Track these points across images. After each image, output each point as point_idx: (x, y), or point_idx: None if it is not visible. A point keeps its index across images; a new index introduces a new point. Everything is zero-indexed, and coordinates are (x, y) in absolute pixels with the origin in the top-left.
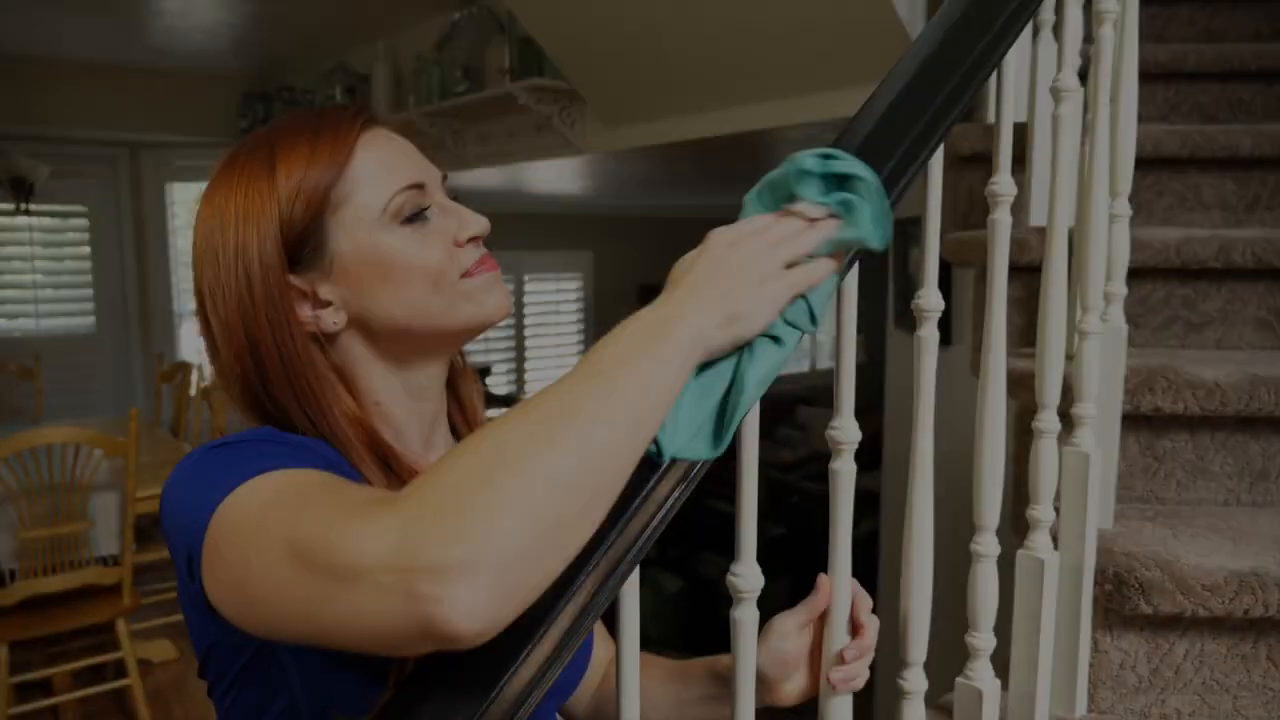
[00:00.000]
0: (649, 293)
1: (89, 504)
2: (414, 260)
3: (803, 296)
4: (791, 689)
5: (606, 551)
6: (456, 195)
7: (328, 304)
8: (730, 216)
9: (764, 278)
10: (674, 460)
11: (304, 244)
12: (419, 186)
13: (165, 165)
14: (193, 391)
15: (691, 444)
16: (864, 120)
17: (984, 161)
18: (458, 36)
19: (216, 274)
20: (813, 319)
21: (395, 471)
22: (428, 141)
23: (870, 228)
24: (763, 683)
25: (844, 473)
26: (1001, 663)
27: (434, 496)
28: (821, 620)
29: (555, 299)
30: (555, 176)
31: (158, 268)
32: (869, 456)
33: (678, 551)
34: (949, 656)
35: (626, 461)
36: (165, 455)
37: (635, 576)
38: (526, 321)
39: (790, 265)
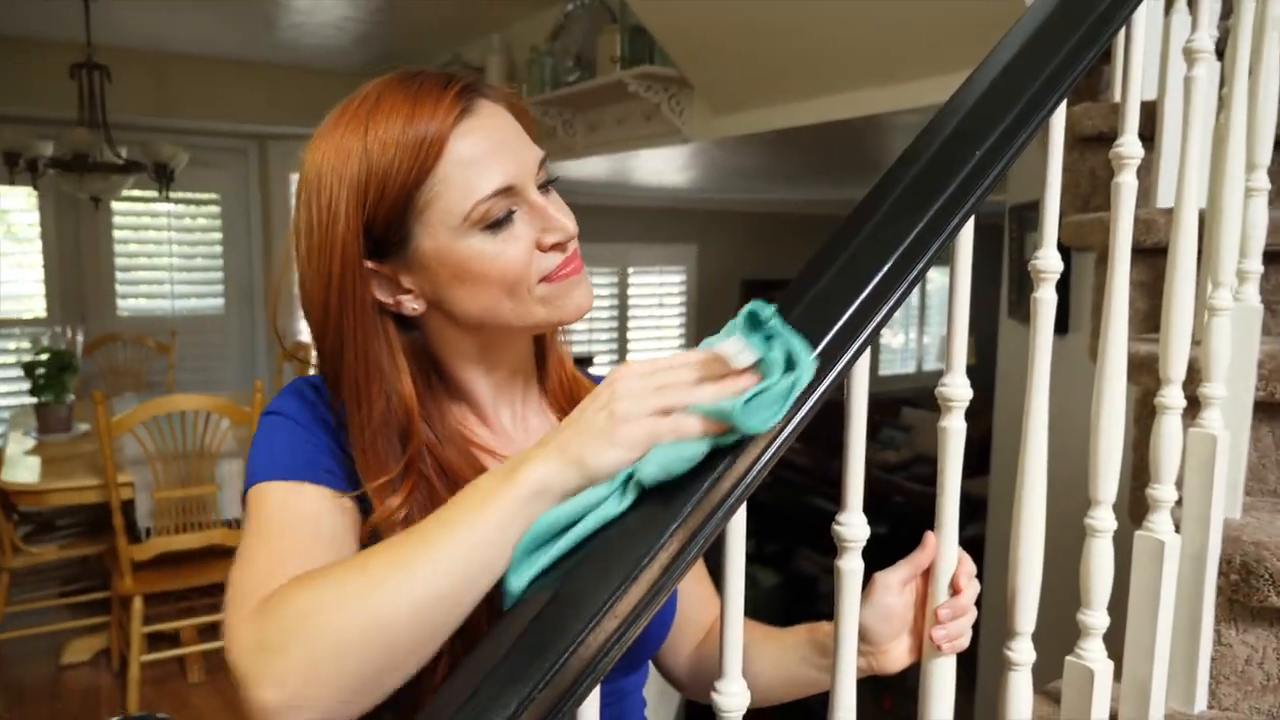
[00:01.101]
0: (752, 286)
1: (217, 469)
2: (491, 267)
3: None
4: (898, 652)
5: (685, 519)
6: (555, 180)
7: (409, 291)
8: (836, 213)
9: (627, 418)
10: (735, 447)
11: (387, 237)
12: (506, 191)
13: (290, 156)
14: (311, 370)
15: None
16: (992, 64)
17: (1108, 143)
18: (570, 27)
19: (309, 237)
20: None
21: (414, 449)
22: (539, 130)
23: (759, 412)
24: (869, 642)
25: (954, 430)
26: (1113, 654)
27: (275, 627)
28: (927, 582)
29: (659, 292)
30: (662, 166)
31: (281, 253)
32: (977, 462)
33: (775, 547)
34: (1047, 651)
35: (452, 604)
36: None
37: (741, 527)
38: (630, 314)
39: (668, 411)
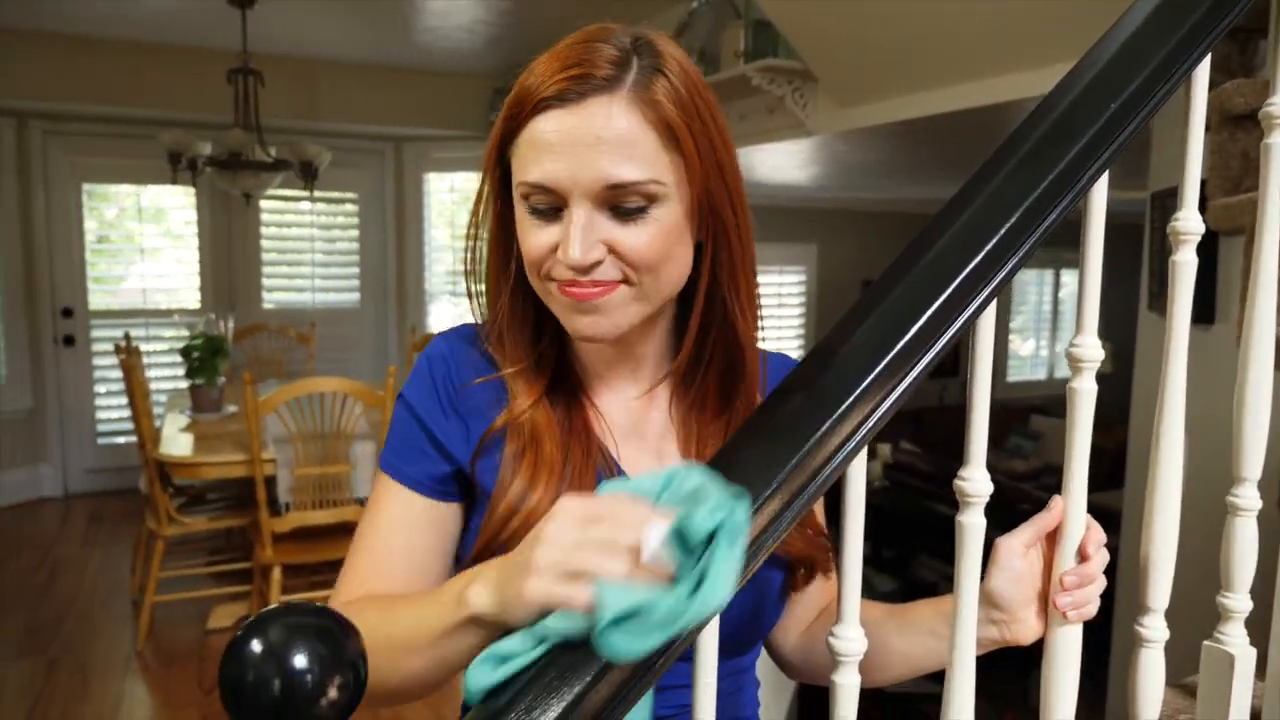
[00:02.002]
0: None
1: (351, 450)
2: (522, 240)
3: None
4: (1032, 621)
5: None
6: (643, 210)
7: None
8: None
9: (538, 570)
10: (847, 410)
11: (505, 158)
12: (544, 190)
13: (424, 157)
14: None
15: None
16: (1132, 17)
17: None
18: (695, 24)
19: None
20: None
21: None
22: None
23: (623, 639)
24: (1002, 610)
25: (1083, 391)
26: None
27: None
28: (1053, 549)
29: (778, 291)
30: (783, 163)
31: (414, 250)
32: (1111, 473)
33: (892, 553)
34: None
35: (428, 678)
36: None
37: (861, 471)
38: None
39: (578, 575)
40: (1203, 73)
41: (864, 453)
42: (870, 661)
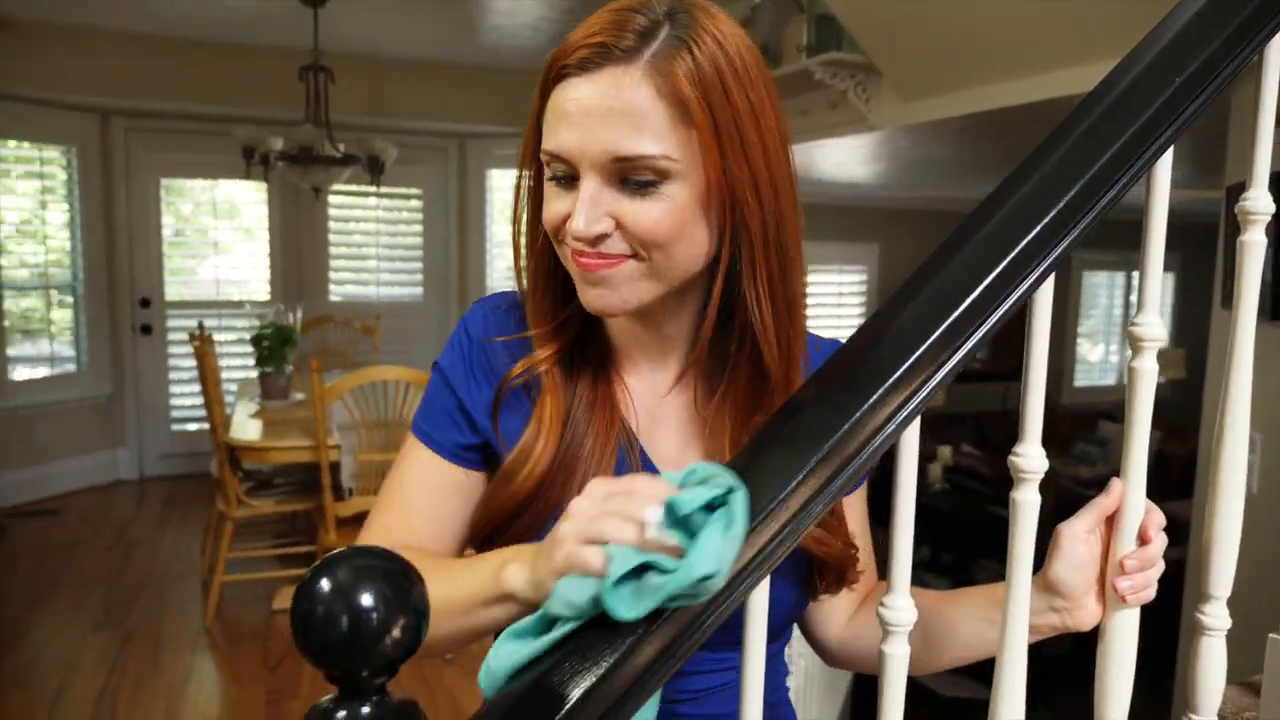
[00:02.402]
0: None
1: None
2: (545, 206)
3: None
4: (1093, 606)
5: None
6: (653, 184)
7: None
8: None
9: (562, 540)
10: (886, 392)
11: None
12: (559, 159)
13: (487, 154)
14: None
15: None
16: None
17: None
18: (757, 19)
19: None
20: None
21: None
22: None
23: (625, 600)
24: (1064, 596)
25: (1144, 371)
26: None
27: None
28: (1111, 532)
29: (837, 291)
30: (846, 158)
31: (476, 246)
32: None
33: (951, 557)
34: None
35: (460, 639)
36: None
37: (914, 436)
38: (808, 312)
39: (594, 541)
40: (1277, 45)
41: (917, 422)
42: (922, 648)
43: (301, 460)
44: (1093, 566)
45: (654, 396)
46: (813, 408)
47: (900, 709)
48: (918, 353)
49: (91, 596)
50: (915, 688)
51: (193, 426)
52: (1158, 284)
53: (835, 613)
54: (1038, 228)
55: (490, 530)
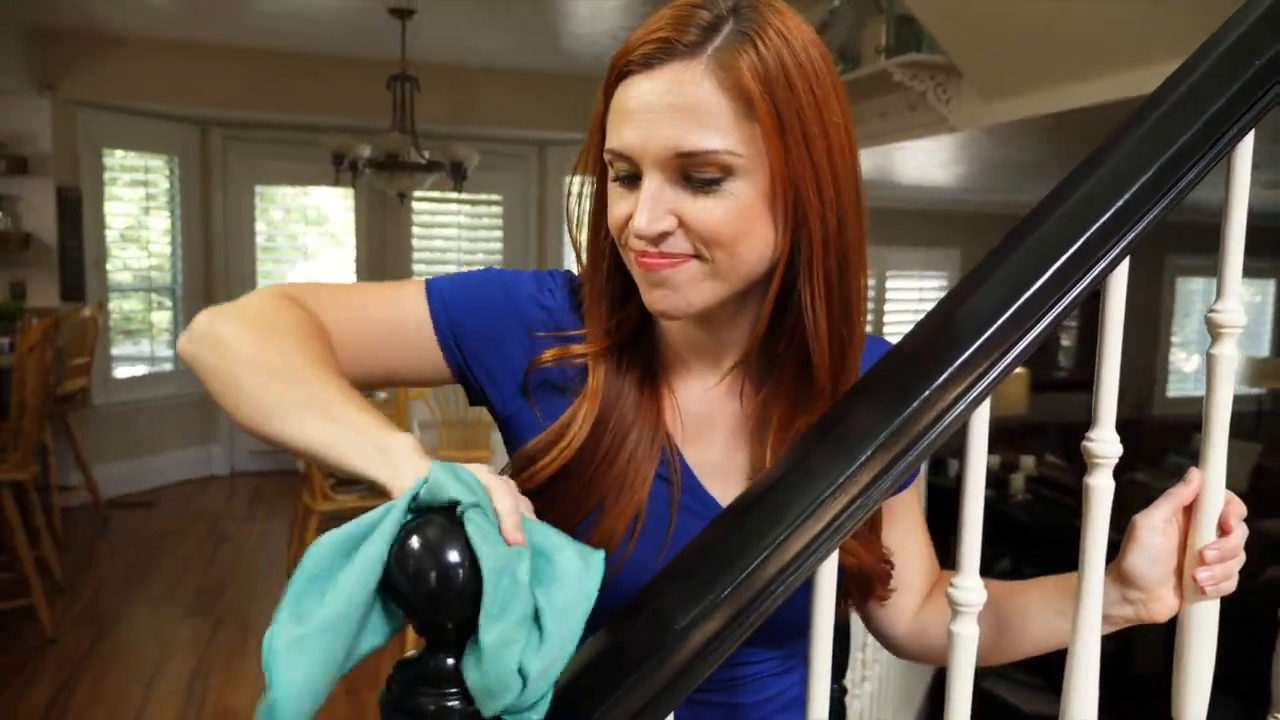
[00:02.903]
0: None
1: (491, 436)
2: (609, 207)
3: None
4: (1169, 598)
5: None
6: (716, 182)
7: None
8: None
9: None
10: (953, 373)
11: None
12: (622, 158)
13: (567, 161)
14: None
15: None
16: None
17: None
18: (835, 23)
19: None
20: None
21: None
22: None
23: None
24: (1140, 588)
25: (1224, 357)
26: None
27: (229, 314)
28: (1189, 522)
29: (917, 297)
30: (926, 161)
31: (554, 251)
32: None
33: (1034, 569)
34: None
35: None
36: None
37: (984, 424)
38: (886, 320)
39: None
40: None
41: (986, 403)
42: (993, 638)
43: None
44: (1169, 558)
45: (703, 403)
46: (883, 386)
47: (968, 690)
48: (988, 333)
49: (185, 585)
50: (996, 703)
51: None
52: (1237, 270)
53: (899, 609)
54: (1112, 209)
55: None
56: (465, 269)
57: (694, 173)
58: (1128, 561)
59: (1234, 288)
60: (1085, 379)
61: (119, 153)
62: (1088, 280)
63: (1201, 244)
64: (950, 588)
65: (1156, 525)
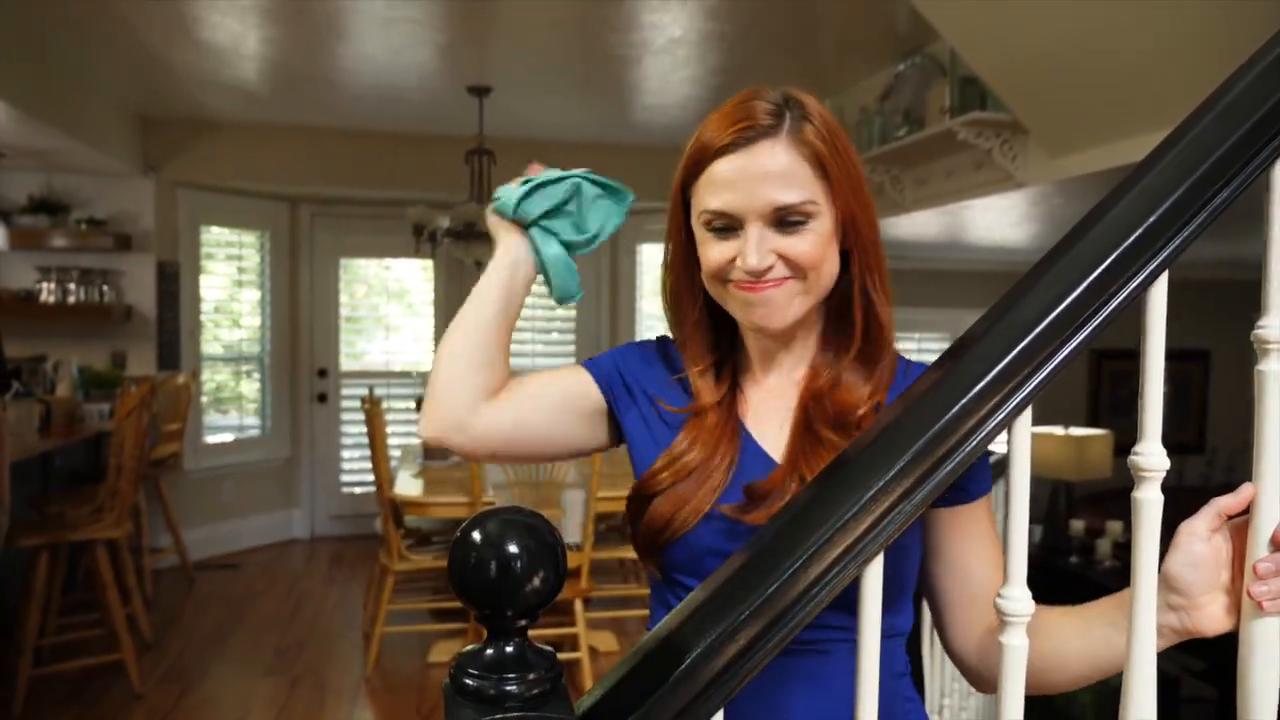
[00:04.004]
0: (1100, 356)
1: (563, 497)
2: (702, 254)
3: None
4: (1215, 610)
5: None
6: (801, 223)
7: None
8: (1200, 275)
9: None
10: (983, 390)
11: (686, 201)
12: (724, 215)
13: (637, 229)
14: None
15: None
16: None
17: None
18: (901, 87)
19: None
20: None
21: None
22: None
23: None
24: (1181, 594)
25: (1273, 374)
26: None
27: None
28: (1244, 540)
29: None
30: (995, 221)
31: (626, 319)
32: None
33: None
34: None
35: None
36: (621, 467)
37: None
38: None
39: None
40: None
41: (1028, 412)
42: (1048, 661)
43: (458, 516)
44: (1213, 567)
45: (772, 398)
46: (929, 395)
47: (1020, 703)
48: (1024, 342)
49: (265, 644)
50: None
51: (359, 490)
52: None
53: (968, 623)
54: (1145, 225)
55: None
56: (539, 334)
57: (786, 219)
58: (1168, 565)
59: (1278, 304)
60: (1176, 442)
61: (214, 229)
62: (1125, 293)
63: None
64: (998, 598)
65: (1198, 531)
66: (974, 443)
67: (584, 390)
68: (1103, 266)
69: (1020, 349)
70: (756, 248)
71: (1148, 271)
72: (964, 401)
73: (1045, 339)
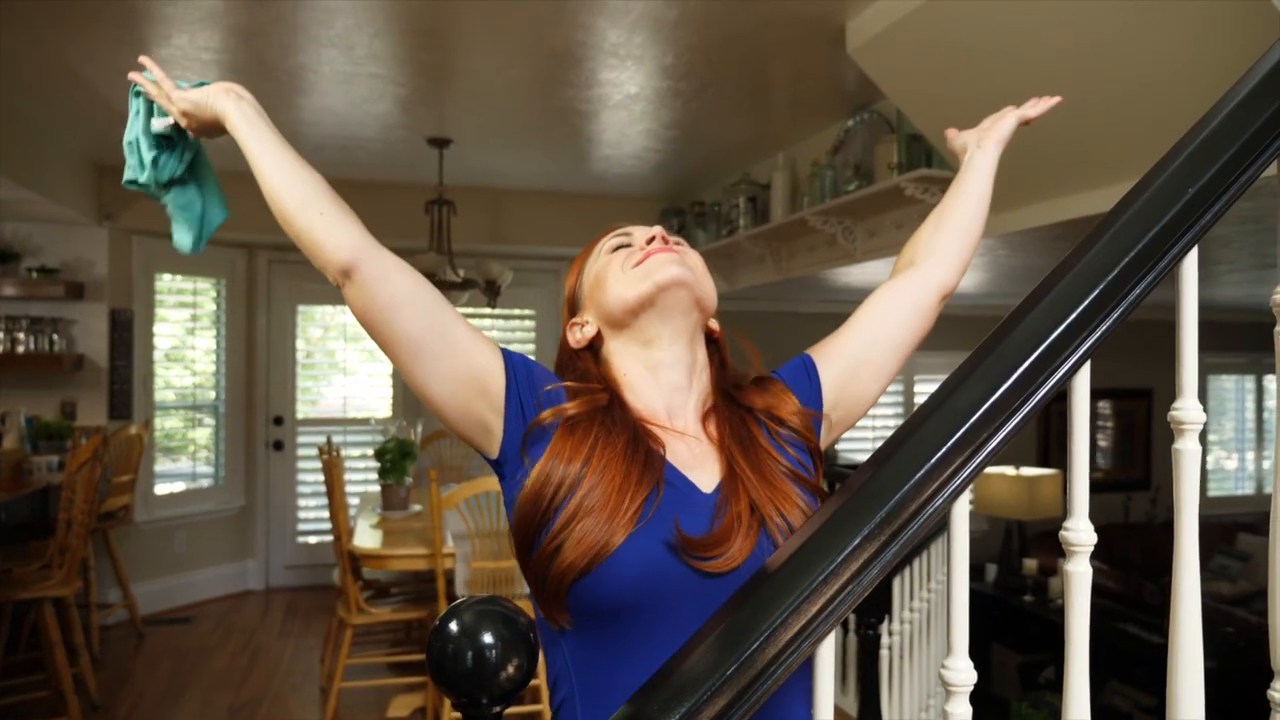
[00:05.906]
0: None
1: None
2: (608, 263)
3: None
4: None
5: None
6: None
7: (586, 323)
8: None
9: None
10: (986, 412)
11: (575, 304)
12: (624, 233)
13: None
14: None
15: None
16: None
17: None
18: (850, 141)
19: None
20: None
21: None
22: (818, 239)
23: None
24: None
25: (1189, 452)
26: None
27: None
28: None
29: None
30: None
31: None
32: None
33: None
34: None
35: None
36: None
37: (964, 514)
38: None
39: None
40: None
41: (966, 495)
42: (963, 218)
43: (418, 568)
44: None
45: (684, 444)
46: (871, 479)
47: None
48: (959, 433)
49: (218, 701)
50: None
51: (314, 539)
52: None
53: (914, 287)
54: (1068, 320)
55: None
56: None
57: (651, 234)
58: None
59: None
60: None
61: (166, 276)
62: (1051, 383)
63: (1233, 339)
64: (943, 669)
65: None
66: (914, 528)
67: (490, 361)
68: (1029, 360)
69: (955, 440)
70: (658, 229)
71: (1071, 363)
72: (906, 488)
73: (977, 430)
